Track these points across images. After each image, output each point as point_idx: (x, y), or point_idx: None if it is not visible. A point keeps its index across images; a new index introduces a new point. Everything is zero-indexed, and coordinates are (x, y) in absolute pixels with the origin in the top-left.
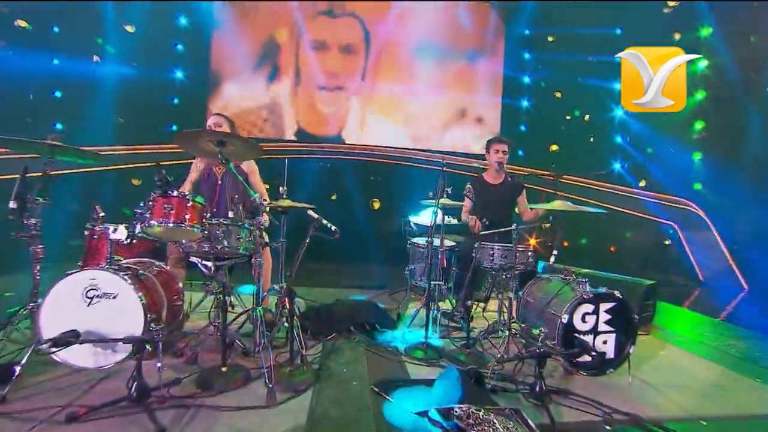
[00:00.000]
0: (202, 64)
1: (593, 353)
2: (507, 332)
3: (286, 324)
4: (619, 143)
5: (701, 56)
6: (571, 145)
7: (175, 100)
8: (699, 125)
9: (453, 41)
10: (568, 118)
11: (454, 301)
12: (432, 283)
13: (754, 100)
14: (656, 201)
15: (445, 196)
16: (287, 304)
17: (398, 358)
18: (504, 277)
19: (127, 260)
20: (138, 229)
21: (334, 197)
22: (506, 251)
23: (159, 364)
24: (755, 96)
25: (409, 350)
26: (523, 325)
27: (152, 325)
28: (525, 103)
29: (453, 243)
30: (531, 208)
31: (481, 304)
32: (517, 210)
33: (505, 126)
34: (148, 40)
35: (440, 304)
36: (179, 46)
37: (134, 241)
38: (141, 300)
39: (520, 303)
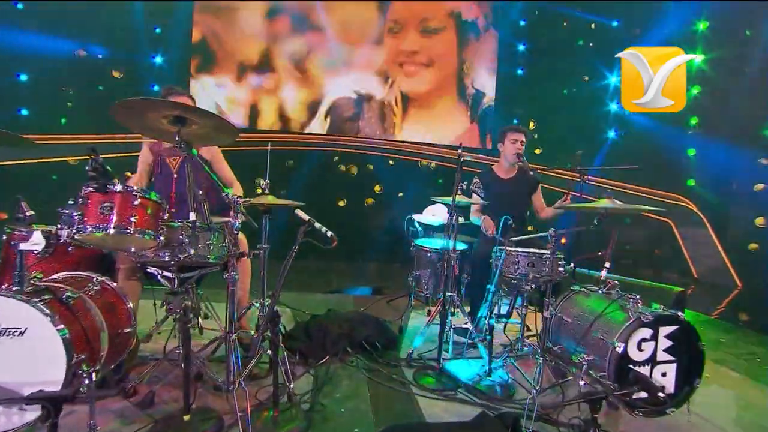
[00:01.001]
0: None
1: (661, 395)
2: (540, 359)
3: (268, 351)
4: (613, 138)
5: (700, 54)
6: (569, 138)
7: (155, 87)
8: (693, 120)
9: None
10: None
11: (468, 314)
12: (446, 294)
13: (749, 94)
14: (650, 197)
15: (460, 192)
16: (269, 329)
17: (407, 389)
18: (529, 288)
19: (53, 276)
20: (64, 235)
21: (323, 191)
22: (535, 259)
23: (92, 422)
24: (750, 91)
25: (418, 376)
26: (556, 348)
27: (82, 367)
28: (518, 97)
29: (464, 246)
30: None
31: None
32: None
33: (500, 121)
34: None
35: (452, 319)
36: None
37: (70, 249)
38: (62, 335)
39: (552, 321)
